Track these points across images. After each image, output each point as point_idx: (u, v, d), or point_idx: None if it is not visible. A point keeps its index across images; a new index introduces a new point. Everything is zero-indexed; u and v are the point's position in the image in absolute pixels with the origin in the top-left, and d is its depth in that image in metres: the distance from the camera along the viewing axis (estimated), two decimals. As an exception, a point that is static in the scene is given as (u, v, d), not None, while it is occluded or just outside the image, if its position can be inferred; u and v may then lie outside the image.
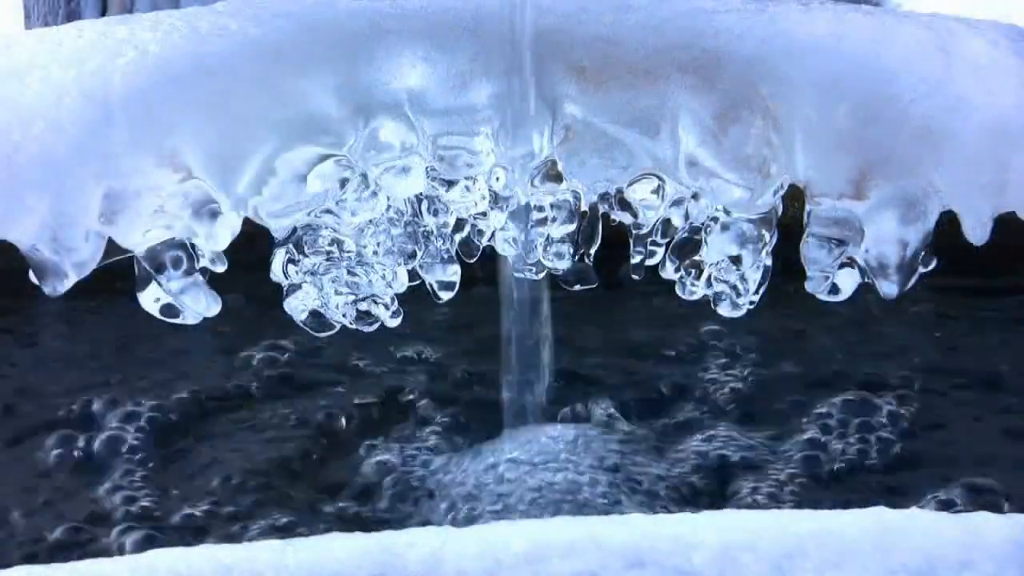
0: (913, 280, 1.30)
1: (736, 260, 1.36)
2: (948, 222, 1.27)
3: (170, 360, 1.82)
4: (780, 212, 1.34)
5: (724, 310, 1.40)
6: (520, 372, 1.59)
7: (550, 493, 1.44)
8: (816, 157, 1.26)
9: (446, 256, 1.39)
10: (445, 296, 1.41)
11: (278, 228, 1.29)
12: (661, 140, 1.30)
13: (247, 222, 1.26)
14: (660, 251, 1.41)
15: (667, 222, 1.39)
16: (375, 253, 1.35)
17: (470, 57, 1.29)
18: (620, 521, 0.95)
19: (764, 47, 1.28)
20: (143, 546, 1.34)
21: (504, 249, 1.39)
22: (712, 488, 1.49)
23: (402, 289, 1.38)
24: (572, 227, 1.37)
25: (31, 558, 1.32)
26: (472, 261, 1.41)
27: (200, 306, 1.28)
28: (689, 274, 1.40)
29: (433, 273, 1.40)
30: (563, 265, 1.39)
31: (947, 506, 1.40)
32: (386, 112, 1.27)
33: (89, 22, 1.34)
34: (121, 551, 1.33)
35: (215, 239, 1.25)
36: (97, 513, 1.43)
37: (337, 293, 1.36)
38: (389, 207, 1.34)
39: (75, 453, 1.56)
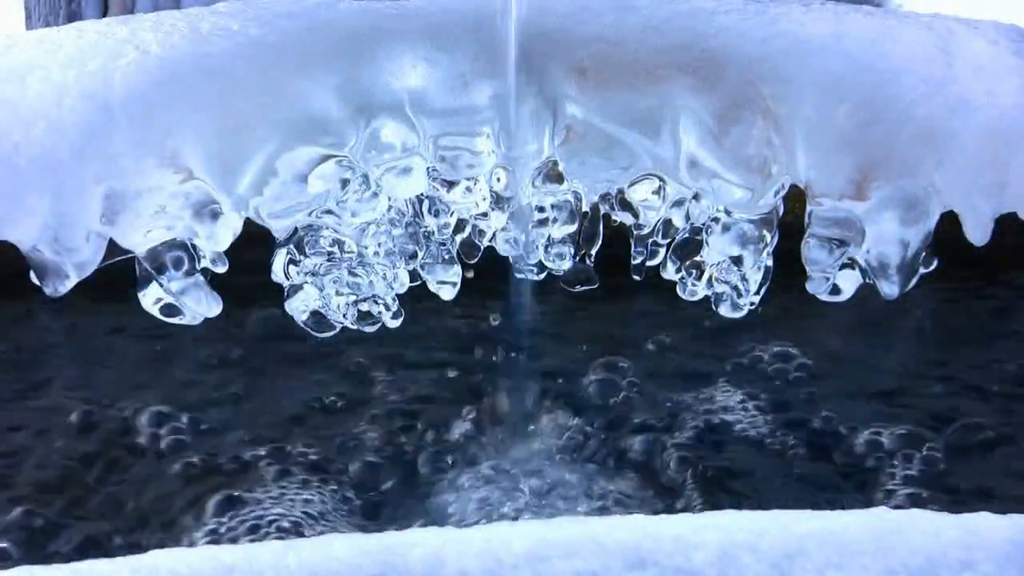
0: (914, 281, 1.30)
1: (737, 260, 1.36)
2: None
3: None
4: (781, 212, 1.34)
5: (725, 311, 1.40)
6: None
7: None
8: (817, 157, 1.26)
9: (447, 257, 1.39)
10: (446, 296, 1.41)
11: (279, 229, 1.29)
12: (662, 140, 1.30)
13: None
14: (661, 252, 1.41)
15: (668, 222, 1.39)
16: (376, 254, 1.35)
17: (471, 57, 1.29)
18: (621, 521, 0.95)
19: (765, 47, 1.28)
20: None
21: (505, 250, 1.39)
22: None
23: (403, 290, 1.38)
24: (573, 228, 1.37)
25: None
26: (472, 262, 1.41)
27: (201, 307, 1.29)
28: (690, 274, 1.40)
29: (434, 273, 1.40)
30: (564, 266, 1.39)
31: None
32: (387, 112, 1.27)
33: (90, 22, 1.34)
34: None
35: (216, 240, 1.25)
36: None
37: (338, 294, 1.36)
38: (390, 208, 1.34)
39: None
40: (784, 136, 1.27)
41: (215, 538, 1.38)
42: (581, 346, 1.74)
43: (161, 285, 1.27)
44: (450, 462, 1.53)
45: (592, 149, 1.32)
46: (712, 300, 1.40)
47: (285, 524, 1.39)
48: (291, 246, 1.32)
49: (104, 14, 2.62)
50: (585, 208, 1.38)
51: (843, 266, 1.32)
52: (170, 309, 1.30)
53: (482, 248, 1.40)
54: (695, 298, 1.41)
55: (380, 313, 1.38)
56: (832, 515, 0.95)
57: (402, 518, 1.43)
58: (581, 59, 1.30)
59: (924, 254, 1.29)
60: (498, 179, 1.33)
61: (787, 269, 1.35)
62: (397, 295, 1.38)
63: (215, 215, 1.24)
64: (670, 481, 1.50)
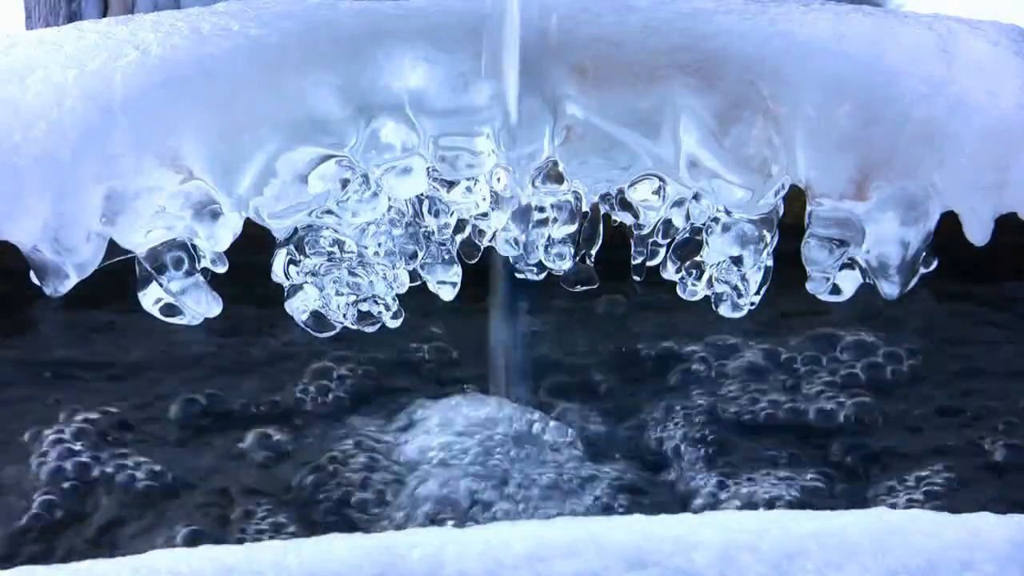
0: (914, 281, 1.30)
1: (737, 260, 1.36)
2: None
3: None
4: (781, 212, 1.34)
5: (725, 311, 1.40)
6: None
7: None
8: (817, 157, 1.26)
9: (447, 257, 1.39)
10: (446, 296, 1.41)
11: (279, 229, 1.29)
12: (662, 140, 1.30)
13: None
14: (661, 252, 1.41)
15: (668, 223, 1.39)
16: (376, 254, 1.35)
17: (471, 57, 1.29)
18: (621, 522, 0.95)
19: (765, 48, 1.28)
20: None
21: (505, 250, 1.39)
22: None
23: (403, 290, 1.38)
24: (573, 228, 1.37)
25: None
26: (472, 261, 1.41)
27: (201, 307, 1.29)
28: (690, 274, 1.40)
29: (434, 273, 1.40)
30: (564, 266, 1.39)
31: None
32: (387, 112, 1.27)
33: (90, 23, 1.34)
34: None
35: (216, 240, 1.25)
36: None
37: (338, 294, 1.36)
38: (390, 208, 1.34)
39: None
40: (784, 136, 1.27)
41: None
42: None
43: (161, 285, 1.27)
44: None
45: (592, 149, 1.32)
46: (712, 300, 1.40)
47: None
48: (291, 246, 1.32)
49: (104, 14, 2.62)
50: (585, 208, 1.38)
51: (843, 266, 1.32)
52: (170, 309, 1.30)
53: (482, 248, 1.40)
54: (695, 298, 1.41)
55: (380, 313, 1.38)
56: (832, 515, 0.95)
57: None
58: (581, 59, 1.30)
59: (924, 254, 1.29)
60: (498, 179, 1.33)
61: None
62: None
63: (215, 215, 1.24)
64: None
